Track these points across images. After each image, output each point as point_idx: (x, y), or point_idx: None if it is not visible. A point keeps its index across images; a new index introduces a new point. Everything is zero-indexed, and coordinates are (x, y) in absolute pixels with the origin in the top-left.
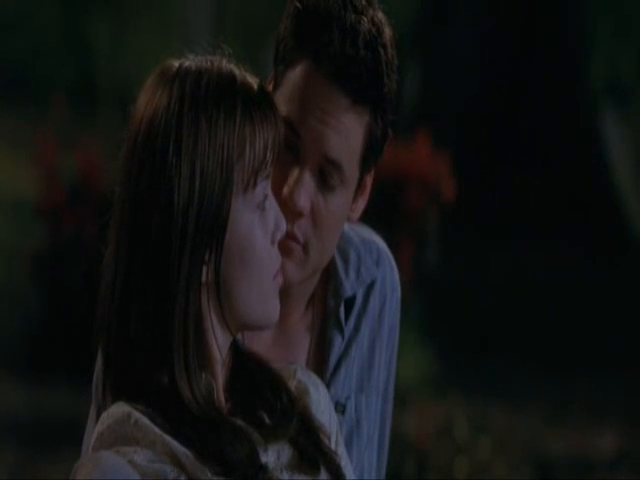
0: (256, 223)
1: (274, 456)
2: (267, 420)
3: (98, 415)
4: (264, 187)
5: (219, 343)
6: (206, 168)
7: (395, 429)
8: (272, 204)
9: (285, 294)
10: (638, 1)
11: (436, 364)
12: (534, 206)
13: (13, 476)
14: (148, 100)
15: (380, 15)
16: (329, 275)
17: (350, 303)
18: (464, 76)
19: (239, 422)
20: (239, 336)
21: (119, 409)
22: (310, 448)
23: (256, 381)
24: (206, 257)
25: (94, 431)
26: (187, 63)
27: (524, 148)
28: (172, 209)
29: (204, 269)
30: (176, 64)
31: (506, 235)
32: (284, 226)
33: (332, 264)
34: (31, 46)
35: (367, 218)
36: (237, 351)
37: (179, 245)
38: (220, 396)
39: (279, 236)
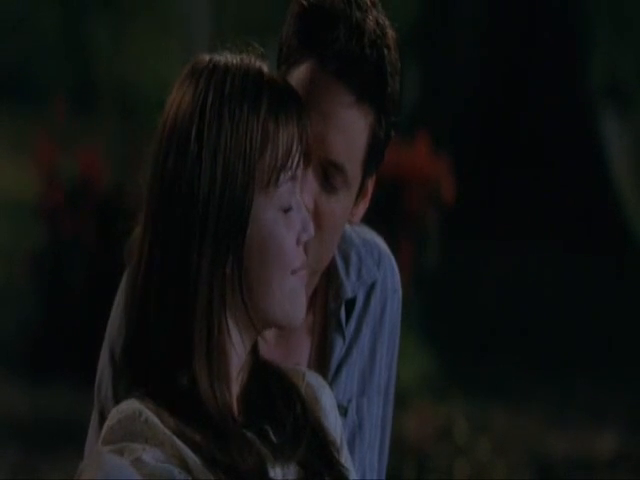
0: (280, 222)
1: (281, 473)
2: (277, 437)
3: (100, 417)
4: (290, 188)
5: (243, 341)
6: (228, 160)
7: (395, 430)
8: (300, 207)
9: None
10: (638, 2)
11: (436, 365)
12: (534, 206)
13: (13, 476)
14: (176, 93)
15: (383, 17)
16: (330, 276)
17: (351, 304)
18: (464, 76)
19: (250, 434)
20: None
21: (130, 405)
22: (317, 464)
23: (270, 393)
24: (228, 251)
25: (104, 425)
26: (217, 58)
27: (524, 148)
28: (193, 199)
29: (227, 264)
30: (207, 58)
31: (506, 235)
32: (311, 230)
33: (333, 265)
34: (31, 47)
35: (367, 218)
36: (253, 360)
37: (200, 237)
38: (233, 404)
39: (305, 238)
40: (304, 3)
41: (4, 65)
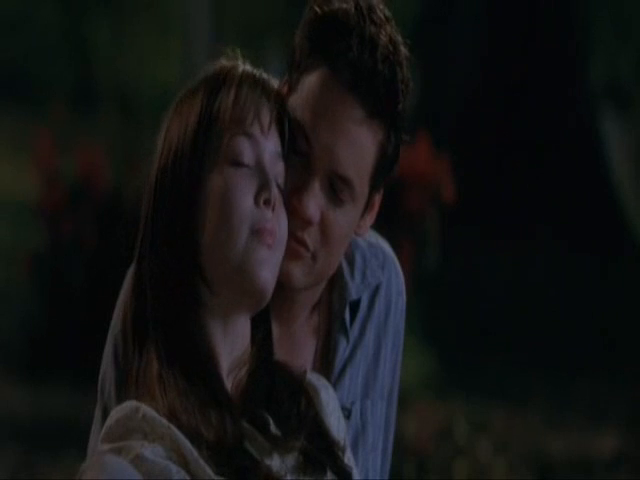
0: (230, 175)
1: (279, 459)
2: (280, 428)
3: (103, 416)
4: (241, 144)
5: (227, 325)
6: (173, 137)
7: (395, 430)
8: (261, 169)
9: (291, 300)
10: (638, 2)
11: (436, 365)
12: (534, 206)
13: (13, 476)
14: None
15: (395, 35)
16: (334, 278)
17: (355, 306)
18: (464, 76)
19: (246, 425)
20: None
21: (128, 404)
22: (316, 450)
23: (275, 387)
24: (177, 221)
25: (104, 425)
26: None
27: (524, 148)
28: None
29: (179, 239)
30: None
31: (506, 235)
32: (273, 190)
33: (338, 267)
34: (31, 47)
35: None
36: (259, 352)
37: (152, 219)
38: (226, 385)
39: (265, 196)
40: (317, 11)
41: (4, 65)
